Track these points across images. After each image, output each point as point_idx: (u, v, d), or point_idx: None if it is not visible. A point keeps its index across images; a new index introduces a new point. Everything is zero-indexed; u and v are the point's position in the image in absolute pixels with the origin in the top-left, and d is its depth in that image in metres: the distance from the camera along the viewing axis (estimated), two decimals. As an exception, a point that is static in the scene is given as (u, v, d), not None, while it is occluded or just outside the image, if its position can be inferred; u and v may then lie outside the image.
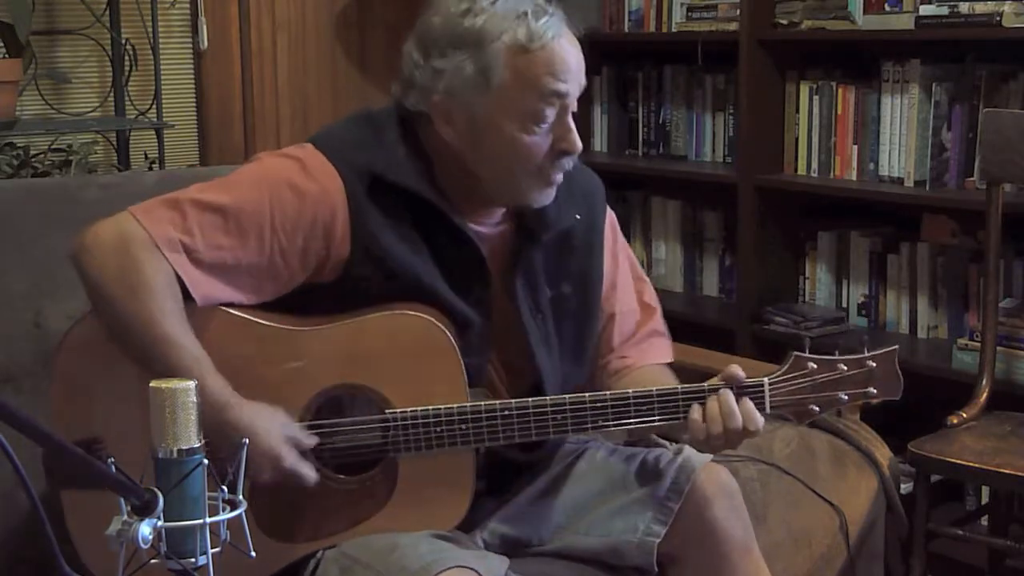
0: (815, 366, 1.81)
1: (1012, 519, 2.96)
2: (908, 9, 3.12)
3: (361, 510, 1.78)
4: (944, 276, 3.21)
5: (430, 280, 1.78)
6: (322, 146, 1.79)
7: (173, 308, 1.66)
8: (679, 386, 1.80)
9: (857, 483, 2.39)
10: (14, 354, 2.01)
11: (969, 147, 3.08)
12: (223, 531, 1.25)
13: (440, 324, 1.76)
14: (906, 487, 2.72)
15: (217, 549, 1.23)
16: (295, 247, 1.74)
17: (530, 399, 1.78)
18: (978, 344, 2.86)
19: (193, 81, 4.02)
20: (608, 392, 1.80)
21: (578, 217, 1.91)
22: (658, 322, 2.04)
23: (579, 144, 1.78)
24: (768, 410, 1.80)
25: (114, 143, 3.79)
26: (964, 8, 2.94)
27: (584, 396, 1.79)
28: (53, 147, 3.64)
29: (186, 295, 1.70)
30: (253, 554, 1.29)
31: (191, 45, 3.99)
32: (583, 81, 1.78)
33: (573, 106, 1.77)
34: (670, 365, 2.01)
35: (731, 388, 1.77)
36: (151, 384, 1.22)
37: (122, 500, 1.18)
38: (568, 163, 1.80)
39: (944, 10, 2.99)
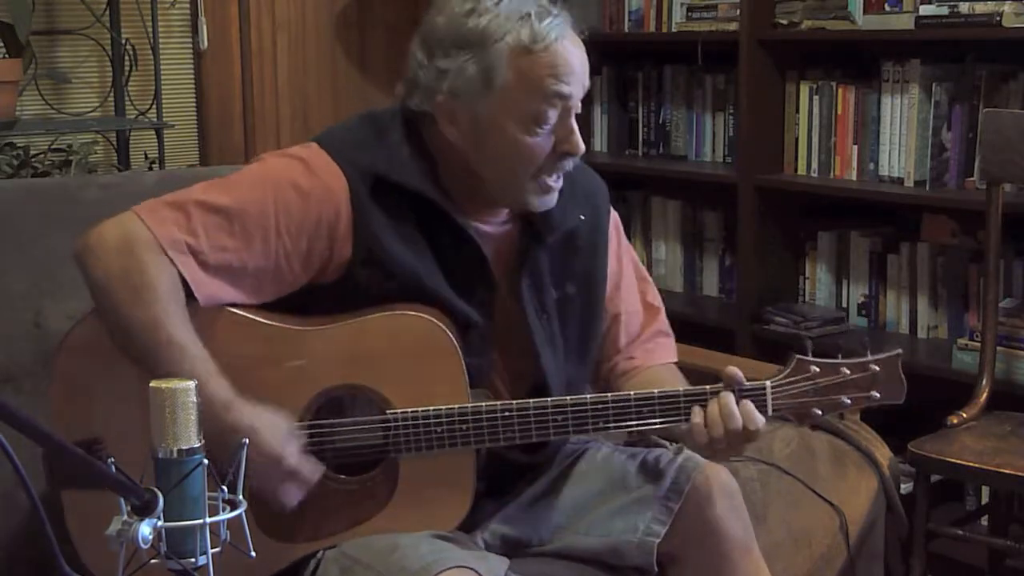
0: (817, 369, 1.80)
1: (1012, 519, 2.96)
2: (908, 9, 3.12)
3: (362, 510, 1.78)
4: (944, 276, 3.21)
5: (432, 281, 1.78)
6: (326, 145, 1.79)
7: (176, 310, 1.66)
8: (680, 388, 1.80)
9: (857, 483, 2.39)
10: (14, 354, 2.01)
11: (969, 147, 3.08)
12: (223, 531, 1.25)
13: (442, 325, 1.76)
14: (906, 487, 2.72)
15: (217, 549, 1.23)
16: (299, 248, 1.74)
17: (531, 400, 1.78)
18: (978, 344, 2.86)
19: (193, 81, 4.02)
20: (609, 394, 1.80)
21: (582, 218, 1.91)
22: (663, 322, 2.04)
23: (582, 146, 1.78)
24: (770, 413, 1.80)
25: (114, 143, 3.79)
26: (964, 8, 2.94)
27: (585, 398, 1.79)
28: (53, 147, 3.64)
29: (188, 295, 1.70)
30: (253, 554, 1.29)
31: (191, 45, 3.99)
32: (586, 83, 1.78)
33: (576, 108, 1.77)
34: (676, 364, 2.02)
35: (732, 390, 1.77)
36: (151, 384, 1.22)
37: (122, 500, 1.18)
38: (569, 164, 1.80)
39: (944, 10, 2.99)
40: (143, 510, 1.18)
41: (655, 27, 3.76)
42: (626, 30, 3.83)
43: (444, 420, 1.74)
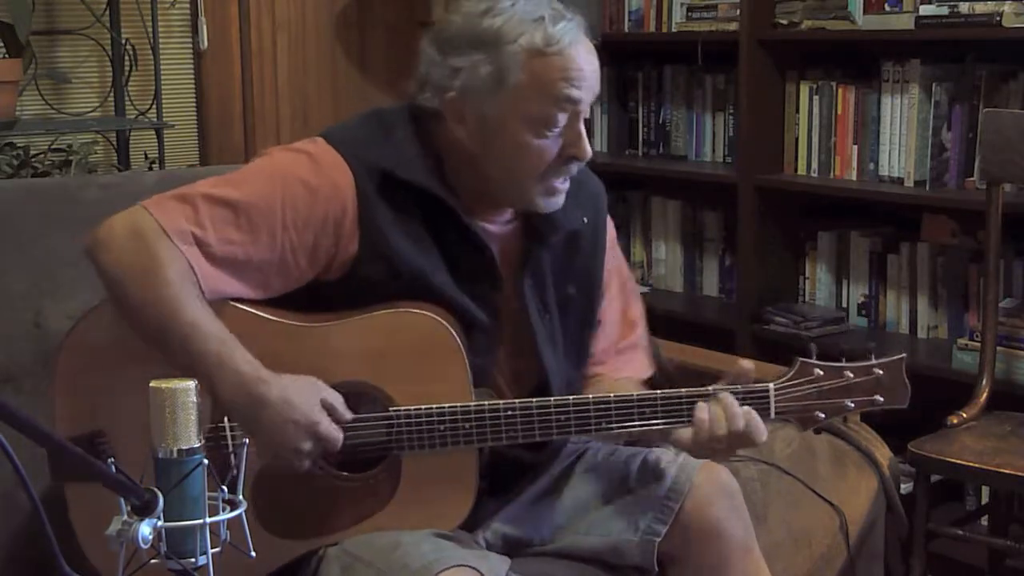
0: (821, 372, 1.80)
1: (1012, 519, 2.96)
2: (908, 9, 3.11)
3: (364, 508, 1.78)
4: (944, 276, 3.21)
5: (437, 279, 1.78)
6: (333, 141, 1.79)
7: (191, 291, 1.67)
8: (683, 389, 1.80)
9: (857, 483, 2.39)
10: (14, 354, 2.01)
11: (969, 147, 3.08)
12: (223, 531, 1.25)
13: (446, 323, 1.76)
14: (906, 487, 2.72)
15: (217, 549, 1.23)
16: (305, 243, 1.74)
17: (533, 399, 1.78)
18: (978, 344, 2.86)
19: (193, 81, 4.02)
20: (612, 394, 1.80)
21: (585, 220, 1.92)
22: (640, 336, 2.05)
23: (589, 151, 1.79)
24: (773, 415, 1.80)
25: (114, 143, 3.79)
26: (964, 8, 2.94)
27: (588, 397, 1.79)
28: (53, 147, 3.64)
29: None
30: (253, 554, 1.29)
31: (191, 45, 3.98)
32: (597, 89, 1.78)
33: (585, 113, 1.78)
34: (649, 379, 2.02)
35: (735, 394, 1.77)
36: (151, 384, 1.22)
37: (122, 500, 1.18)
38: (575, 169, 1.81)
39: (944, 10, 2.99)
40: (143, 510, 1.18)
41: (655, 27, 3.76)
42: (626, 30, 3.83)
43: (447, 418, 1.74)
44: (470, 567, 1.65)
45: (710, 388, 1.79)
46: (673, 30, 3.71)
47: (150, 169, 3.68)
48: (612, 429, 1.79)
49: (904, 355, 1.84)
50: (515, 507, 1.91)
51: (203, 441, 1.23)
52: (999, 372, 2.85)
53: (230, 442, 1.73)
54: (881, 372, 1.82)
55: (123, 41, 3.72)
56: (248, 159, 1.87)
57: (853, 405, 1.81)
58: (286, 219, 1.73)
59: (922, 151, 3.14)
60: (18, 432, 1.07)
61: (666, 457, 1.90)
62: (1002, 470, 2.48)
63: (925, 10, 3.04)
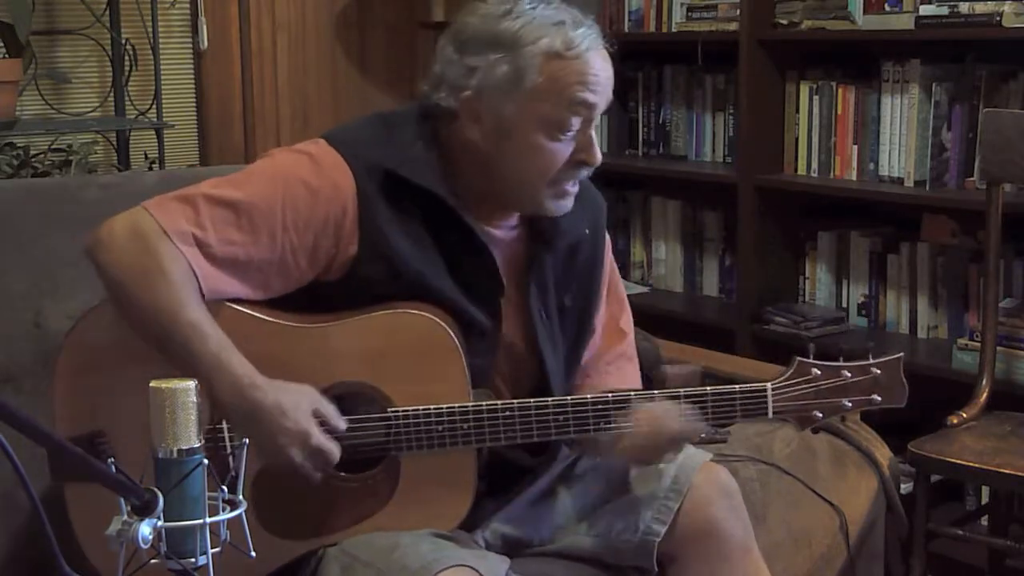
0: (819, 372, 1.81)
1: (1012, 519, 2.96)
2: (908, 9, 3.11)
3: (363, 508, 1.78)
4: (944, 276, 3.21)
5: (436, 281, 1.78)
6: (334, 142, 1.79)
7: (191, 293, 1.67)
8: (681, 389, 1.80)
9: (857, 483, 2.40)
10: (14, 354, 2.01)
11: (969, 147, 3.08)
12: (223, 531, 1.25)
13: (444, 323, 1.76)
14: (906, 487, 2.72)
15: (217, 549, 1.23)
16: (306, 244, 1.74)
17: (532, 400, 1.78)
18: (978, 344, 2.86)
19: (193, 81, 4.02)
20: (610, 393, 1.80)
21: (587, 231, 1.93)
22: (629, 345, 2.05)
23: (599, 157, 1.79)
24: (770, 414, 1.80)
25: (114, 143, 3.79)
26: (964, 8, 2.94)
27: (586, 397, 1.79)
28: (53, 147, 3.64)
29: None
30: (253, 554, 1.29)
31: (191, 45, 3.99)
32: (610, 97, 1.79)
33: (596, 120, 1.79)
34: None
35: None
36: (151, 384, 1.22)
37: (122, 500, 1.18)
38: (584, 174, 1.81)
39: (944, 10, 2.99)
40: (143, 510, 1.18)
41: (655, 27, 3.76)
42: (626, 30, 3.83)
43: (445, 419, 1.74)
44: (469, 567, 1.65)
45: (707, 388, 1.79)
46: (673, 30, 3.71)
47: (150, 169, 3.68)
48: (611, 429, 1.79)
49: (902, 354, 1.85)
50: (514, 507, 1.91)
51: (203, 441, 1.23)
52: (999, 372, 2.85)
53: (228, 443, 1.73)
54: (879, 372, 1.82)
55: (123, 41, 3.72)
56: (248, 159, 1.88)
57: (851, 404, 1.81)
58: (287, 220, 1.73)
59: (922, 151, 3.14)
60: (18, 432, 1.07)
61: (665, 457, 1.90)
62: (1002, 470, 2.48)
63: (925, 10, 3.04)
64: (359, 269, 1.76)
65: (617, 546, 1.87)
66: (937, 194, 3.13)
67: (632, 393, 1.80)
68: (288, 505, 1.76)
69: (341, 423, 1.70)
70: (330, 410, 1.70)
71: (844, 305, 3.42)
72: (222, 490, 1.26)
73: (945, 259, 3.21)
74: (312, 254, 1.75)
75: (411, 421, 1.74)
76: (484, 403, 1.76)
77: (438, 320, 1.76)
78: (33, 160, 3.47)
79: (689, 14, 3.65)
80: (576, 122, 1.76)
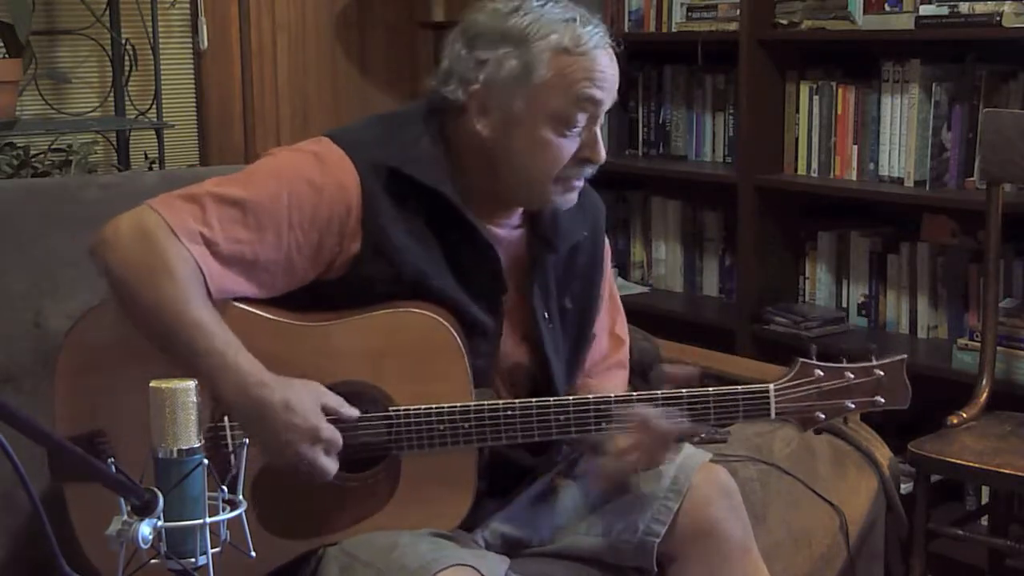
0: (822, 373, 1.81)
1: (1012, 519, 2.96)
2: (908, 9, 3.11)
3: (363, 508, 1.78)
4: (944, 276, 3.21)
5: (439, 280, 1.78)
6: (338, 140, 1.80)
7: (199, 293, 1.67)
8: (683, 389, 1.80)
9: (857, 483, 2.39)
10: (14, 354, 2.01)
11: (969, 147, 3.08)
12: (223, 531, 1.25)
13: (446, 323, 1.76)
14: (906, 487, 2.72)
15: (217, 549, 1.23)
16: (311, 242, 1.74)
17: (533, 399, 1.78)
18: (978, 344, 2.86)
19: (193, 81, 4.02)
20: (612, 394, 1.80)
21: (585, 234, 1.94)
22: (624, 354, 2.07)
23: (603, 155, 1.81)
24: (773, 416, 1.80)
25: (114, 143, 3.79)
26: (964, 8, 2.94)
27: (588, 397, 1.79)
28: (53, 147, 3.64)
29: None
30: (253, 554, 1.29)
31: (191, 45, 3.99)
32: (615, 96, 1.80)
33: (602, 118, 1.80)
34: None
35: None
36: (151, 384, 1.22)
37: (122, 500, 1.18)
38: (589, 171, 1.82)
39: (944, 10, 2.99)
40: (143, 510, 1.18)
41: (655, 27, 3.76)
42: (626, 30, 3.83)
43: (446, 418, 1.75)
44: (469, 566, 1.65)
45: (710, 389, 1.79)
46: (673, 30, 3.71)
47: (150, 169, 3.68)
48: (613, 430, 1.79)
49: (905, 356, 1.84)
50: (514, 507, 1.91)
51: (203, 441, 1.23)
52: (999, 372, 2.85)
53: (230, 442, 1.73)
54: (882, 373, 1.82)
55: (123, 41, 3.72)
56: (248, 159, 1.88)
57: (853, 406, 1.81)
58: (292, 218, 1.73)
59: (922, 151, 3.14)
60: (18, 432, 1.07)
61: (665, 457, 1.90)
62: (1002, 470, 2.48)
63: (925, 10, 3.04)
64: (362, 268, 1.76)
65: (617, 546, 1.87)
66: (937, 194, 3.13)
67: (635, 394, 1.80)
68: (288, 504, 1.76)
69: (352, 411, 1.71)
70: (338, 401, 1.70)
71: (844, 305, 3.42)
72: (222, 490, 1.26)
73: (945, 259, 3.21)
74: (316, 252, 1.75)
75: (412, 420, 1.75)
76: (486, 403, 1.76)
77: (440, 320, 1.76)
78: (33, 160, 3.47)
79: (689, 14, 3.65)
80: (582, 118, 1.77)
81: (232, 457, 1.65)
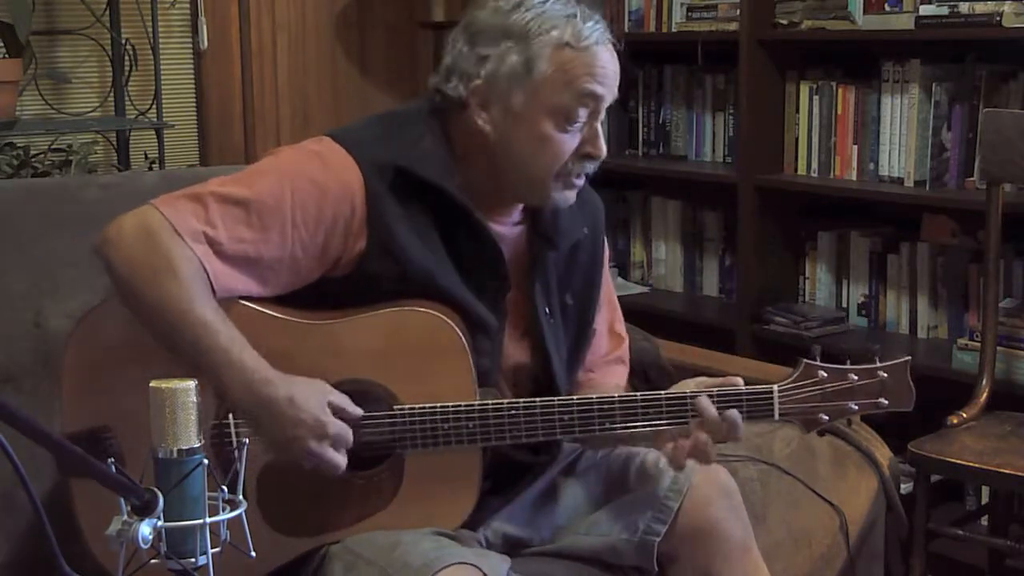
0: (825, 375, 1.80)
1: (1012, 519, 2.96)
2: (908, 9, 3.11)
3: (367, 506, 1.78)
4: (944, 276, 3.21)
5: (444, 279, 1.78)
6: (340, 140, 1.80)
7: (203, 291, 1.67)
8: (687, 391, 1.80)
9: (857, 483, 2.39)
10: (14, 354, 2.01)
11: (969, 147, 3.08)
12: (223, 531, 1.25)
13: (451, 321, 1.76)
14: (906, 487, 2.72)
15: (217, 549, 1.23)
16: (316, 241, 1.74)
17: (537, 399, 1.78)
18: (978, 344, 2.86)
19: (193, 81, 4.02)
20: (616, 394, 1.80)
21: (585, 231, 1.94)
22: (624, 351, 2.07)
23: (604, 150, 1.81)
24: (776, 417, 1.80)
25: (114, 143, 3.79)
26: (964, 8, 2.94)
27: (591, 397, 1.79)
28: (53, 147, 3.64)
29: None
30: (253, 554, 1.29)
31: (191, 45, 3.99)
32: (616, 93, 1.81)
33: (602, 114, 1.80)
34: None
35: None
36: (151, 384, 1.22)
37: (122, 500, 1.18)
38: (590, 167, 1.82)
39: (944, 10, 2.99)
40: (143, 510, 1.18)
41: (655, 27, 3.76)
42: (626, 30, 3.83)
43: (451, 417, 1.75)
44: (471, 565, 1.65)
45: (714, 389, 1.79)
46: (673, 30, 3.71)
47: (150, 169, 3.69)
48: (616, 429, 1.79)
49: (909, 358, 1.84)
50: (516, 507, 1.91)
51: (203, 441, 1.23)
52: (999, 372, 2.85)
53: (234, 438, 1.73)
54: (885, 375, 1.81)
55: (123, 41, 3.72)
56: (248, 159, 1.88)
57: (857, 407, 1.81)
58: (295, 217, 1.73)
59: (922, 151, 3.14)
60: (18, 432, 1.06)
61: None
62: (1002, 470, 2.48)
63: (925, 10, 3.04)
64: (367, 266, 1.76)
65: (617, 546, 1.87)
66: (937, 194, 3.13)
67: (639, 395, 1.79)
68: (293, 502, 1.76)
69: (357, 410, 1.71)
70: (344, 399, 1.70)
71: (844, 305, 3.42)
72: (222, 490, 1.26)
73: (945, 259, 3.21)
74: (322, 251, 1.75)
75: (416, 419, 1.75)
76: (490, 402, 1.76)
77: (445, 318, 1.76)
78: (33, 160, 3.47)
79: (689, 14, 3.65)
80: (583, 113, 1.77)
81: (236, 453, 1.66)
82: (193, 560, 1.21)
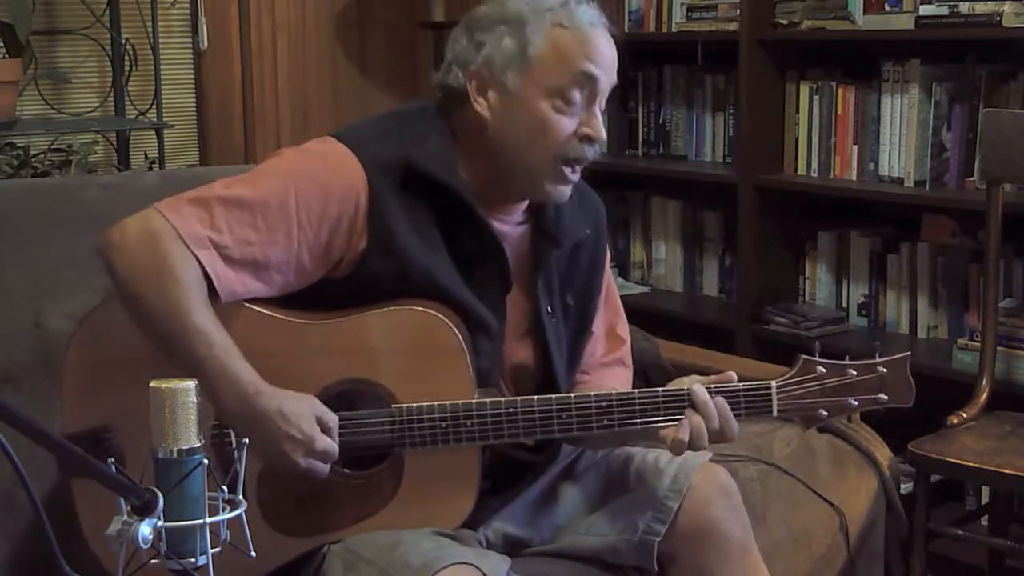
0: (824, 370, 1.80)
1: (1012, 519, 2.96)
2: (908, 9, 3.11)
3: (367, 505, 1.78)
4: (944, 276, 3.21)
5: (444, 278, 1.78)
6: (344, 139, 1.80)
7: (199, 298, 1.67)
8: (684, 387, 1.80)
9: (857, 483, 2.39)
10: (14, 354, 2.01)
11: (969, 147, 3.08)
12: (223, 531, 1.25)
13: (449, 321, 1.76)
14: (906, 487, 2.72)
15: (217, 549, 1.23)
16: (321, 241, 1.74)
17: (535, 397, 1.78)
18: (978, 344, 2.86)
19: (193, 81, 4.02)
20: (614, 392, 1.80)
21: (588, 232, 1.94)
22: (626, 353, 2.06)
23: (603, 133, 1.81)
24: (775, 413, 1.80)
25: (114, 143, 3.79)
26: (964, 8, 2.94)
27: (589, 395, 1.79)
28: (53, 147, 3.65)
29: (210, 291, 1.70)
30: (253, 554, 1.29)
31: (191, 45, 3.99)
32: (615, 79, 1.81)
33: (602, 101, 1.81)
34: None
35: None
36: (151, 384, 1.22)
37: (122, 500, 1.18)
38: (590, 152, 1.81)
39: (944, 10, 2.99)
40: (143, 510, 1.18)
41: (655, 27, 3.76)
42: (626, 30, 3.83)
43: (449, 416, 1.75)
44: (471, 565, 1.65)
45: (712, 386, 1.79)
46: (673, 30, 3.71)
47: (150, 169, 3.69)
48: (614, 427, 1.79)
49: (908, 354, 1.83)
50: (516, 507, 1.91)
51: (203, 441, 1.23)
52: (999, 372, 2.85)
53: (234, 439, 1.73)
54: (885, 370, 1.81)
55: (123, 41, 3.72)
56: (248, 159, 1.88)
57: (856, 403, 1.80)
58: (301, 218, 1.73)
59: (922, 151, 3.14)
60: (18, 432, 1.06)
61: (665, 457, 1.90)
62: (1002, 470, 2.48)
63: (925, 10, 3.04)
64: (368, 265, 1.76)
65: (617, 546, 1.87)
66: (937, 194, 3.13)
67: (636, 392, 1.79)
68: (293, 502, 1.76)
69: (335, 441, 1.70)
70: (331, 417, 1.70)
71: (844, 305, 3.42)
72: (222, 490, 1.26)
73: (945, 259, 3.21)
74: (326, 251, 1.75)
75: (415, 418, 1.75)
76: (488, 400, 1.76)
77: (443, 318, 1.76)
78: (33, 160, 3.47)
79: (689, 14, 3.65)
80: (579, 95, 1.78)
81: (236, 454, 1.66)
82: (193, 560, 1.21)
